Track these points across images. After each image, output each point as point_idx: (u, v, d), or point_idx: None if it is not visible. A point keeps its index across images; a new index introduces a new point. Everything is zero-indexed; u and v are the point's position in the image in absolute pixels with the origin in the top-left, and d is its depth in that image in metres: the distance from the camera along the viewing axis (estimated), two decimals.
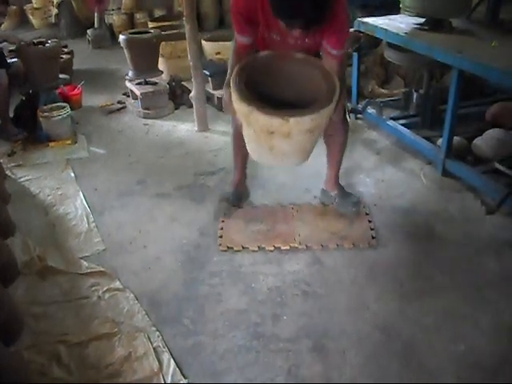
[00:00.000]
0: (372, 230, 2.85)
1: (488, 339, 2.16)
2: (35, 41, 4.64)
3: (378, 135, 4.03)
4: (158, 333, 2.24)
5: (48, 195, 3.41)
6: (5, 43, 4.66)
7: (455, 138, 3.35)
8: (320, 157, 2.90)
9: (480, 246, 2.72)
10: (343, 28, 2.39)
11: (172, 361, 2.10)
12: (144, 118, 4.65)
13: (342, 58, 2.50)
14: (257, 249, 2.75)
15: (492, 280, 2.48)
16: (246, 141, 2.42)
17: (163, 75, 5.06)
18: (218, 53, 5.43)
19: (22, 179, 3.64)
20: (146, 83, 4.77)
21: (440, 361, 2.07)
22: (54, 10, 8.06)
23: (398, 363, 2.06)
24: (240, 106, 2.16)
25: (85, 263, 2.71)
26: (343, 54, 2.51)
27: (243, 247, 2.77)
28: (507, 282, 2.47)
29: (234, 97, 2.18)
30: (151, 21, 7.27)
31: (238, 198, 3.08)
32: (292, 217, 3.00)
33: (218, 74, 4.60)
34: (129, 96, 4.97)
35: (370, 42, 4.35)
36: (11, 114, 4.29)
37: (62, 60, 5.17)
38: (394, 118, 4.03)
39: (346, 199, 3.00)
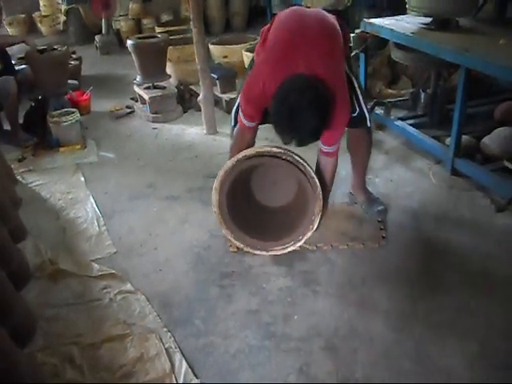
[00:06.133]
0: (382, 229, 2.85)
1: (501, 337, 2.15)
2: (44, 47, 4.68)
3: (387, 135, 4.03)
4: (169, 334, 2.25)
5: (59, 199, 3.44)
6: (18, 47, 4.69)
7: (464, 136, 3.34)
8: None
9: (490, 243, 2.71)
10: (338, 127, 2.36)
11: (184, 361, 2.11)
12: (153, 122, 4.67)
13: (335, 154, 2.50)
14: None
15: (503, 277, 2.47)
16: None
17: (171, 79, 5.08)
18: (226, 56, 5.46)
19: (32, 184, 3.67)
20: (155, 87, 4.79)
21: (452, 359, 2.06)
22: (63, 18, 8.15)
23: (409, 362, 2.06)
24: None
25: (96, 266, 2.73)
26: (336, 151, 2.50)
27: None
28: None
29: (228, 234, 2.64)
30: (158, 26, 7.34)
31: None
32: None
33: (225, 77, 4.63)
34: (137, 101, 5.00)
35: (377, 43, 4.35)
36: (21, 120, 4.33)
37: (70, 66, 5.21)
38: (402, 118, 4.02)
39: (372, 207, 2.98)
